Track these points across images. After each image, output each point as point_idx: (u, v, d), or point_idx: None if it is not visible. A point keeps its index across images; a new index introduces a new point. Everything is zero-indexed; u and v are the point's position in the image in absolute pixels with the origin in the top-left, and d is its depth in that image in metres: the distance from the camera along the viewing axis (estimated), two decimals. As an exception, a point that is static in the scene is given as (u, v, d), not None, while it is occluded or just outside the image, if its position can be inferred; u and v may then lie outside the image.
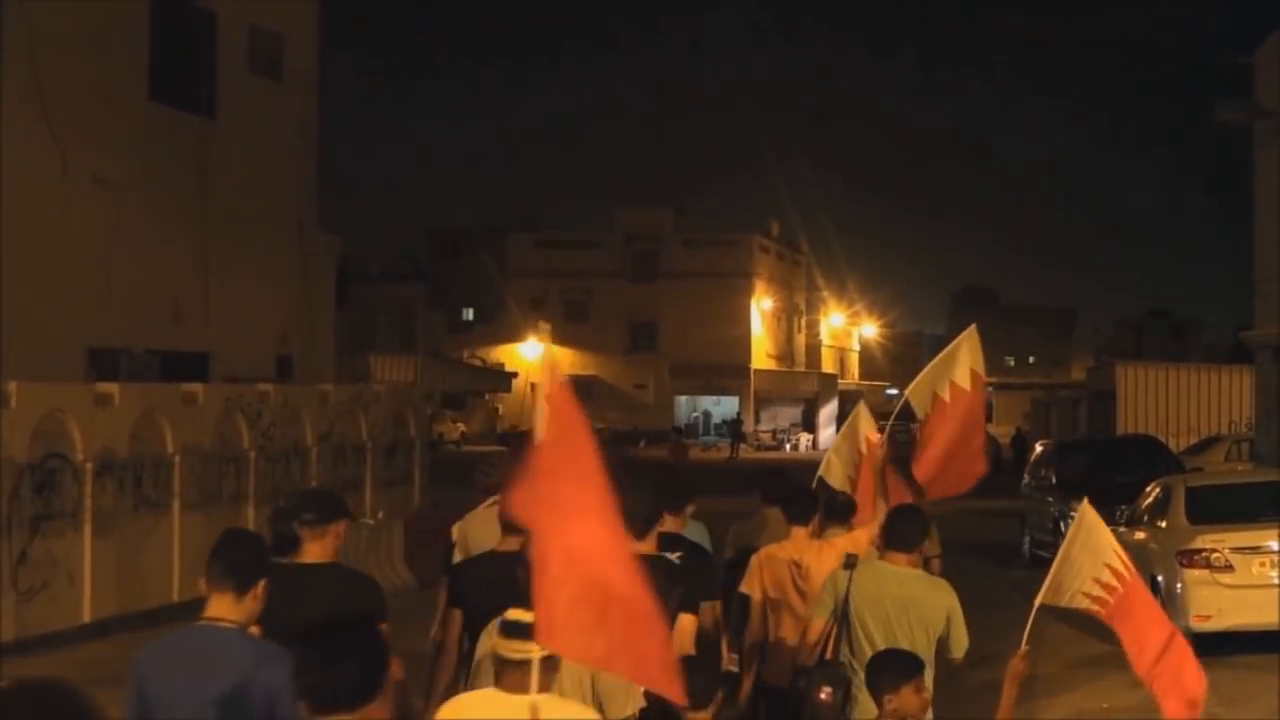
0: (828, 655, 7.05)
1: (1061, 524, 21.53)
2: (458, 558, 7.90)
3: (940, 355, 9.77)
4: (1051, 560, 6.26)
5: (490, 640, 5.01)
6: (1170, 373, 40.31)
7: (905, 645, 6.59)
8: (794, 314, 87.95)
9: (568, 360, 73.39)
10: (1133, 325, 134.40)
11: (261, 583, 5.16)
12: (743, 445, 66.02)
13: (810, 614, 7.32)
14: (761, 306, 79.91)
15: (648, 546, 6.47)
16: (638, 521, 6.40)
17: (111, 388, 16.50)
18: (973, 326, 9.80)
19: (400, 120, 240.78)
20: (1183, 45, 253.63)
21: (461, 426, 71.07)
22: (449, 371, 68.82)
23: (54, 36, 20.93)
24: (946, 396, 9.26)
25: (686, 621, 6.61)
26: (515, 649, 4.57)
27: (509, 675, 4.60)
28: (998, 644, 10.79)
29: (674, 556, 6.90)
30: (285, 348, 26.80)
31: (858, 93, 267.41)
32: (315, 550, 6.24)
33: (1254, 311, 28.60)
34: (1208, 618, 14.26)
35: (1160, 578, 14.90)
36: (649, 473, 7.86)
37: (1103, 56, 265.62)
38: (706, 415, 79.54)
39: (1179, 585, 14.43)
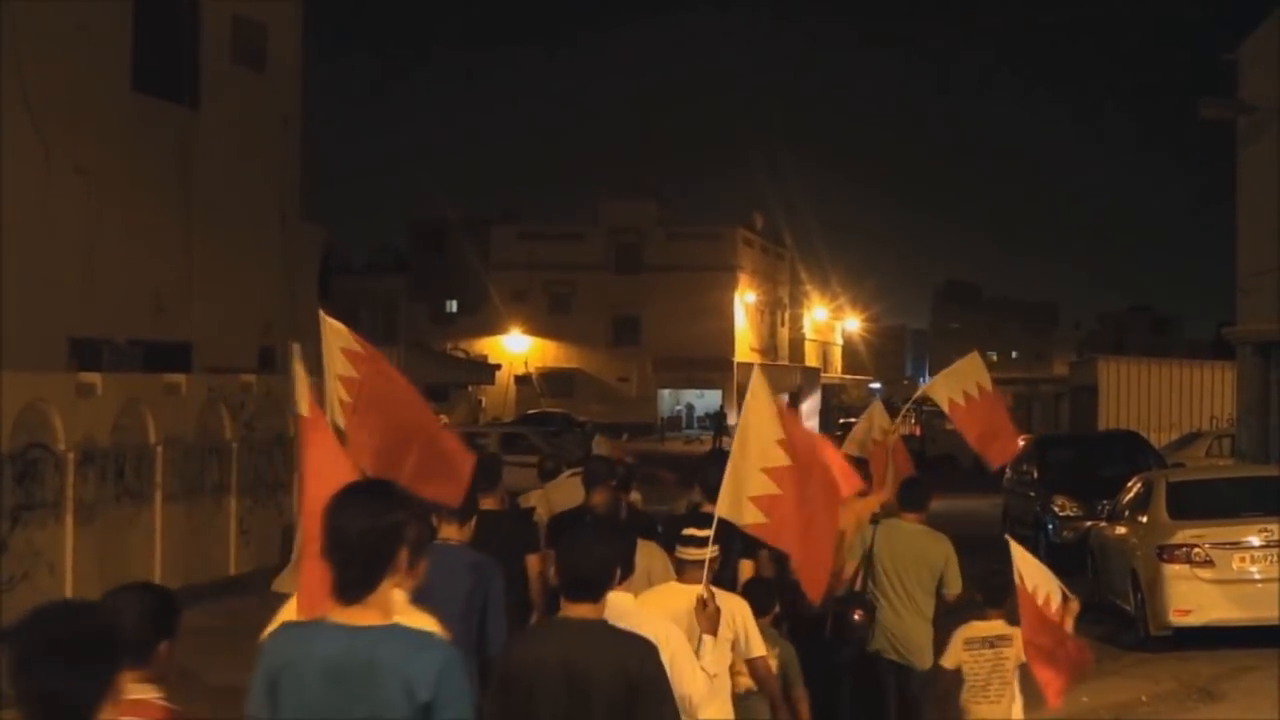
0: (856, 587, 9.42)
1: (1044, 519, 21.62)
2: (541, 516, 10.63)
3: (949, 369, 11.96)
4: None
5: (647, 557, 6.92)
6: (1152, 368, 40.41)
7: (913, 583, 9.28)
8: (777, 308, 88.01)
9: (550, 353, 73.48)
10: (1115, 320, 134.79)
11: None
12: (725, 438, 66.01)
13: (844, 558, 9.21)
14: (745, 300, 79.94)
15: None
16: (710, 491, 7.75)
17: (94, 378, 16.44)
18: (974, 353, 12.11)
19: (383, 112, 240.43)
20: (1168, 40, 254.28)
21: (444, 418, 70.88)
22: (432, 363, 68.67)
23: (37, 27, 20.85)
24: (962, 402, 11.48)
25: (746, 565, 8.42)
26: (691, 554, 6.44)
27: (687, 572, 6.43)
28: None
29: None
30: (268, 339, 26.73)
31: (841, 87, 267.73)
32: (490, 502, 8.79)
33: (1236, 307, 28.70)
34: (1188, 612, 14.33)
35: (1140, 572, 14.96)
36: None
37: (1088, 52, 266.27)
38: (690, 408, 79.58)
39: (1160, 580, 14.48)
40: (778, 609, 7.99)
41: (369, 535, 4.06)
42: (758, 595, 7.41)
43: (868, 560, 9.41)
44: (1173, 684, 13.05)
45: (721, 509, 6.52)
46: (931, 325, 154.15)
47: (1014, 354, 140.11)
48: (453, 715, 3.98)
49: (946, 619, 9.32)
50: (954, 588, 9.33)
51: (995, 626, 8.54)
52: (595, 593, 5.06)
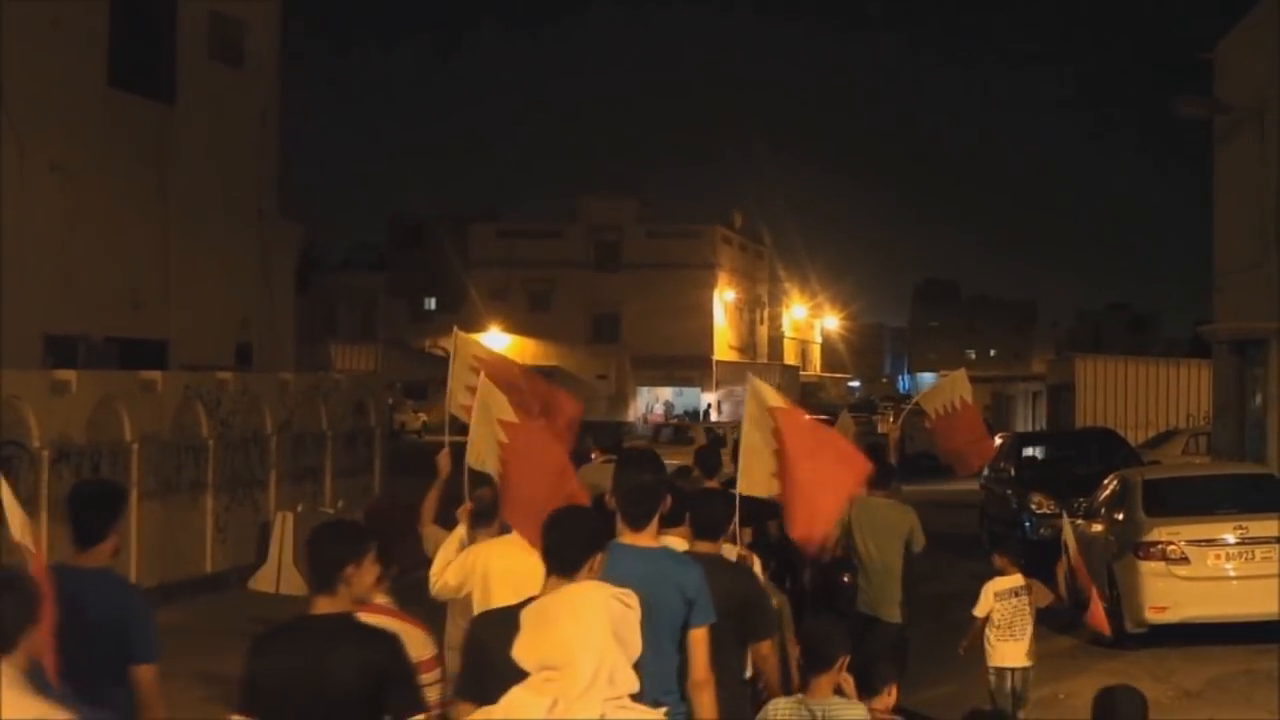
0: (837, 554, 11.13)
1: (1021, 516, 21.67)
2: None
3: (939, 383, 14.40)
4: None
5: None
6: (1129, 366, 40.52)
7: (887, 545, 10.92)
8: (756, 306, 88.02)
9: (530, 350, 73.35)
10: (1093, 319, 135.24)
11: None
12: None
13: (831, 531, 10.20)
14: (724, 298, 79.93)
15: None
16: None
17: (69, 375, 16.36)
18: (962, 370, 14.47)
19: (362, 109, 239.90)
20: (1146, 39, 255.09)
21: (423, 416, 70.86)
22: (410, 360, 68.62)
23: (12, 22, 20.74)
24: (945, 412, 13.50)
25: (745, 532, 8.85)
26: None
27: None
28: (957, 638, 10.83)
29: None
30: (245, 336, 26.66)
31: (821, 85, 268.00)
32: None
33: (1213, 305, 28.78)
34: (1163, 609, 14.37)
35: (1116, 569, 15.00)
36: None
37: (1066, 50, 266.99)
38: (669, 406, 79.56)
39: (1135, 577, 14.52)
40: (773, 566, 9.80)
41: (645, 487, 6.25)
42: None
43: (847, 532, 11.05)
44: (1148, 681, 13.07)
45: (743, 487, 8.00)
46: (910, 323, 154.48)
47: (992, 352, 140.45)
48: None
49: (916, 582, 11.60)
50: (918, 545, 11.14)
51: (1016, 580, 10.63)
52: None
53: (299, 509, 19.37)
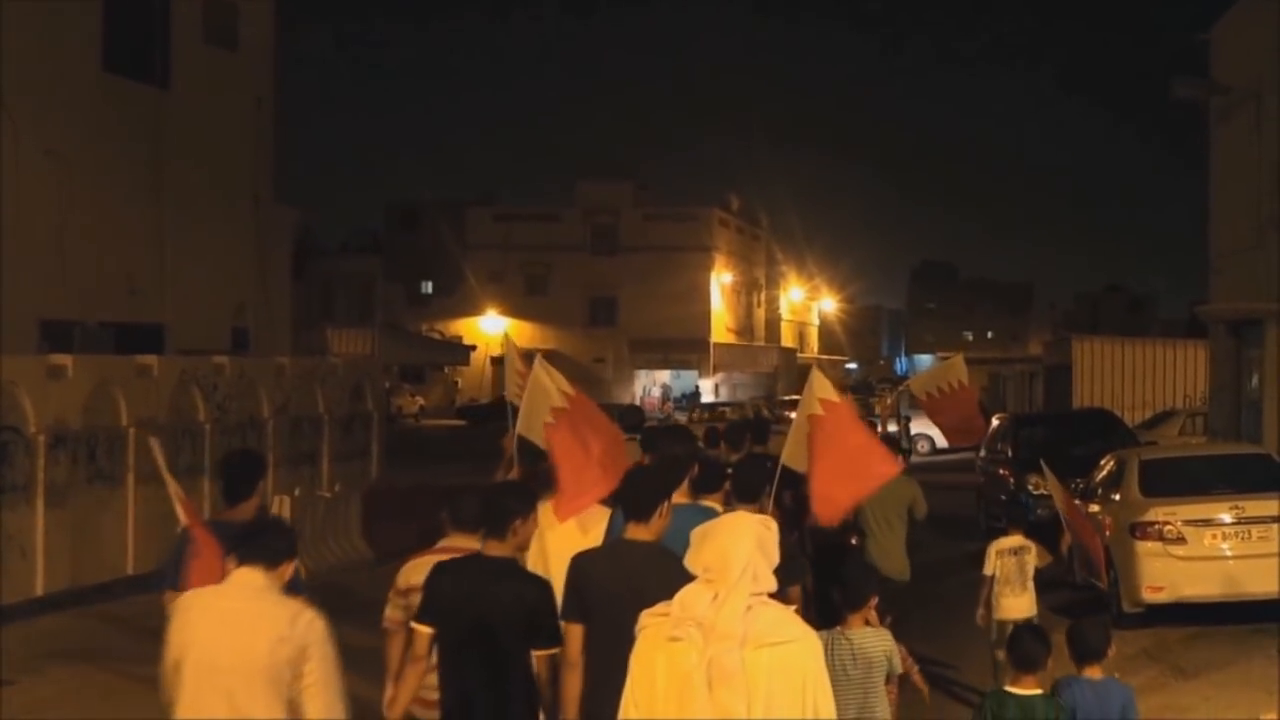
0: (848, 520, 11.47)
1: (1019, 496, 21.67)
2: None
3: (935, 368, 15.12)
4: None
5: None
6: (1126, 347, 40.47)
7: (892, 514, 11.96)
8: (753, 288, 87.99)
9: (527, 333, 73.32)
10: (1090, 300, 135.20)
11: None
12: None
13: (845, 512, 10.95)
14: (721, 281, 79.92)
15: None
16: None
17: (65, 359, 16.34)
18: (959, 357, 14.94)
19: (359, 93, 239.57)
20: (1142, 19, 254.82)
21: (420, 400, 70.87)
22: (407, 345, 68.54)
23: (5, 7, 20.69)
24: (936, 394, 14.38)
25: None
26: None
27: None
28: (952, 619, 10.85)
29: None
30: (241, 320, 26.65)
31: (817, 69, 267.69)
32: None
33: (1209, 286, 28.78)
34: (1160, 589, 14.38)
35: (1113, 549, 15.01)
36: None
37: (1062, 31, 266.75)
38: (665, 390, 79.58)
39: (1132, 557, 14.53)
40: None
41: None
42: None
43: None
44: (1145, 660, 13.10)
45: (787, 458, 8.90)
46: (908, 305, 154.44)
47: (989, 334, 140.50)
48: None
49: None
50: (920, 511, 12.20)
51: (1017, 540, 11.54)
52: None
53: (296, 493, 19.36)
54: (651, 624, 4.69)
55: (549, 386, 8.86)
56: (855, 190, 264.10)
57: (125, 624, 14.88)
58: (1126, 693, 7.21)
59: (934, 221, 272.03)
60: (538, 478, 8.57)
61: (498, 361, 75.83)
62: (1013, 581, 11.38)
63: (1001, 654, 10.26)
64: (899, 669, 7.76)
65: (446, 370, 76.89)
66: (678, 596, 4.65)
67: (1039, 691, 6.98)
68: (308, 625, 5.43)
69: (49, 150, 21.58)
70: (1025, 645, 7.12)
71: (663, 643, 4.59)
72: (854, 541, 12.05)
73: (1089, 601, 15.30)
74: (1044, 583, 12.13)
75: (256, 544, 5.64)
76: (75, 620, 15.04)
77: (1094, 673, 7.11)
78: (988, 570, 11.45)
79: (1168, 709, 11.29)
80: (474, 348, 70.26)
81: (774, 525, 4.85)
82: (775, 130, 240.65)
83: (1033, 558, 11.48)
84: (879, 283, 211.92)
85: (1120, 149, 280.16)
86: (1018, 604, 11.27)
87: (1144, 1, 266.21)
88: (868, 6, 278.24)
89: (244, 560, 5.59)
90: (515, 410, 9.45)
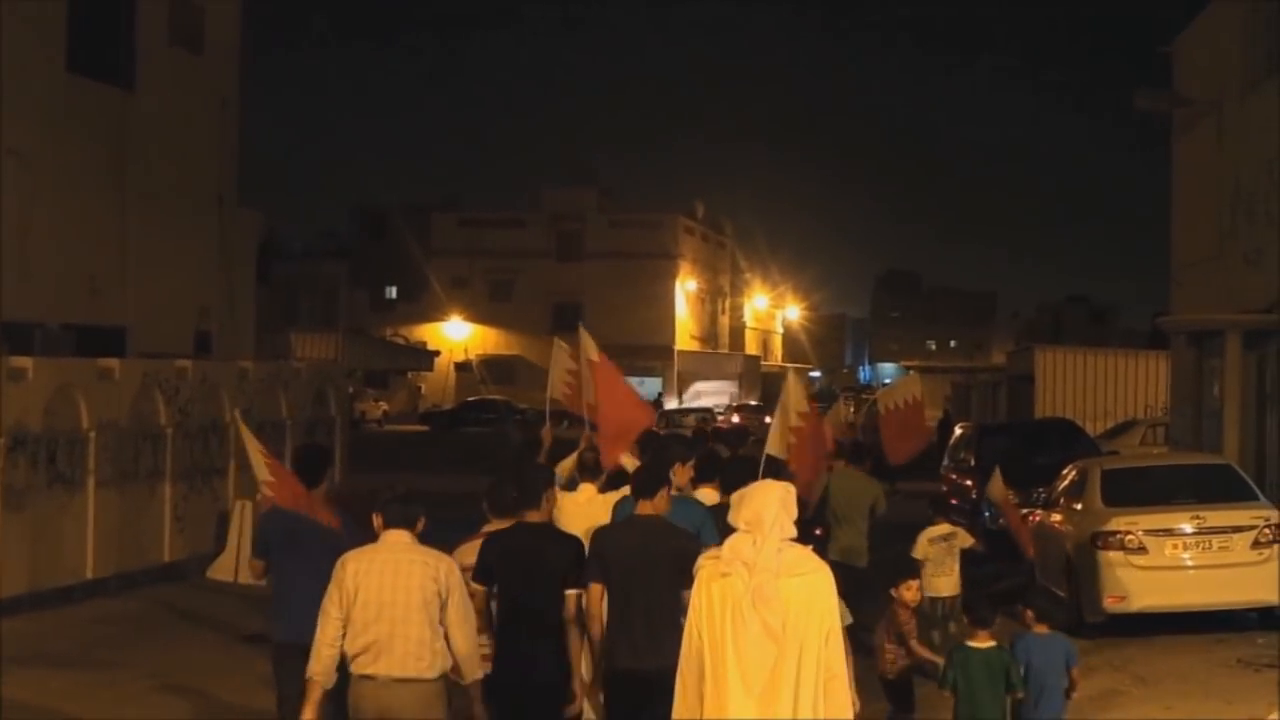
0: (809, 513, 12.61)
1: (980, 505, 21.73)
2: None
3: (895, 383, 16.51)
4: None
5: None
6: (1088, 357, 40.67)
7: (855, 510, 13.85)
8: (718, 296, 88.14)
9: (491, 340, 73.31)
10: (1053, 310, 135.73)
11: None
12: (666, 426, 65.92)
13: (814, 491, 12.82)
14: (686, 288, 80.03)
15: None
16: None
17: (25, 362, 16.18)
18: (915, 374, 17.96)
19: (325, 98, 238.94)
20: (1105, 31, 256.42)
21: (384, 405, 70.66)
22: (371, 349, 68.46)
23: (-32, 4, 20.54)
24: (894, 409, 16.08)
25: None
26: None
27: None
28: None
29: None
30: (204, 323, 26.51)
31: (781, 76, 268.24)
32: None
33: (1171, 298, 28.94)
34: (1121, 599, 14.43)
35: (1075, 559, 15.07)
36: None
37: (1026, 43, 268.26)
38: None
39: (1094, 567, 14.59)
40: None
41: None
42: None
43: (825, 495, 13.68)
44: (1107, 670, 13.15)
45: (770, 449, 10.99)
46: (872, 314, 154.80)
47: (953, 343, 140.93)
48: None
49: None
50: (880, 508, 14.06)
51: (945, 529, 13.54)
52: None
53: (257, 498, 19.24)
54: (708, 564, 5.98)
55: (566, 358, 12.91)
56: (820, 199, 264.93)
57: (84, 629, 14.77)
58: (1067, 645, 9.43)
59: (899, 231, 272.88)
60: (585, 461, 10.28)
61: (462, 367, 75.69)
62: (941, 563, 13.30)
63: (938, 634, 12.54)
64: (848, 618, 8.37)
65: (410, 376, 76.68)
66: (726, 543, 5.97)
67: (993, 644, 8.90)
68: (448, 569, 7.29)
69: (11, 150, 21.41)
70: (979, 609, 9.15)
71: (717, 577, 5.88)
72: (817, 533, 12.73)
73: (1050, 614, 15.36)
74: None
75: (399, 512, 7.43)
76: (33, 624, 14.91)
77: (1041, 629, 9.37)
78: (918, 554, 13.01)
79: (1130, 718, 11.33)
80: (438, 353, 70.18)
81: (793, 489, 6.13)
82: (740, 138, 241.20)
83: (959, 541, 13.52)
84: (843, 291, 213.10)
85: (1084, 160, 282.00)
86: (945, 583, 13.28)
87: (1108, 12, 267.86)
88: (835, 15, 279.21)
89: (390, 524, 7.40)
90: (553, 411, 12.40)
